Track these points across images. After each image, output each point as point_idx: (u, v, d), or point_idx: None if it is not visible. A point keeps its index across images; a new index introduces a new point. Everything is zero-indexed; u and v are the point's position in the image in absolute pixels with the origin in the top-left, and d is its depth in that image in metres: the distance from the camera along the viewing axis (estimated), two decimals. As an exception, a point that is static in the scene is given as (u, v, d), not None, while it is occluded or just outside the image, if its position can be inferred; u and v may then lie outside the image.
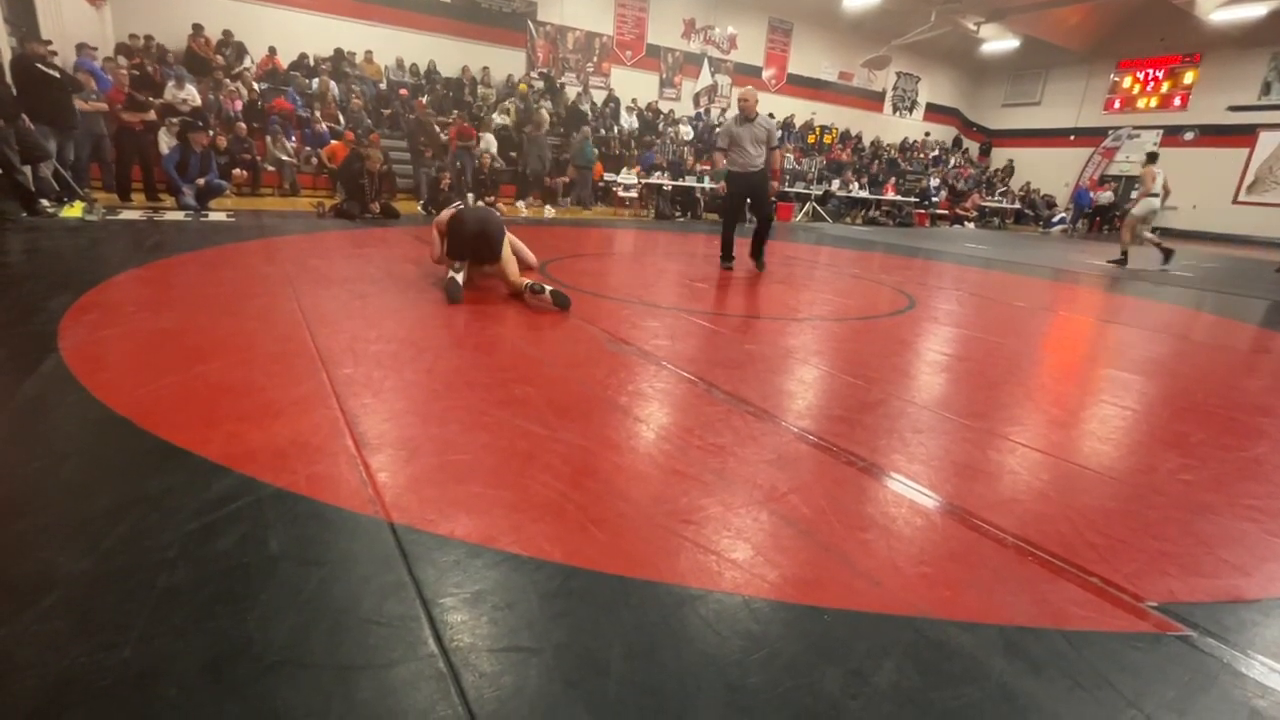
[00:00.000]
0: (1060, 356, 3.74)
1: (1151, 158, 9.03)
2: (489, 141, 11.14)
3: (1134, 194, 9.11)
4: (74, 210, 6.02)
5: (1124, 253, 8.74)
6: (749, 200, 5.71)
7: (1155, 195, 8.67)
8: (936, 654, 1.16)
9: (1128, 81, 19.01)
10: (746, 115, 5.36)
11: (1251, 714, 1.08)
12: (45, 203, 5.98)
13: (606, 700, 1.00)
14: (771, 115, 5.05)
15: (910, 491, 1.78)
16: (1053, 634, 1.23)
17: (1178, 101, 18.07)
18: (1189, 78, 17.79)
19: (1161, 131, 18.34)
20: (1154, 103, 18.54)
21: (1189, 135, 17.84)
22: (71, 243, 4.76)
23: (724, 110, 17.22)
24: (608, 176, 12.25)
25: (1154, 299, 6.06)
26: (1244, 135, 16.69)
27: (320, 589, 1.21)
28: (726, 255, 5.79)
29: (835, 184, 14.86)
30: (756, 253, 5.78)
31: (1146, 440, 2.37)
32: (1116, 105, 19.30)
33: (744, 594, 1.29)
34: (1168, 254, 8.67)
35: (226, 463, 1.65)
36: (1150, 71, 18.50)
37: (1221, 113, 17.08)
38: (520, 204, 11.21)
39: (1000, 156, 21.60)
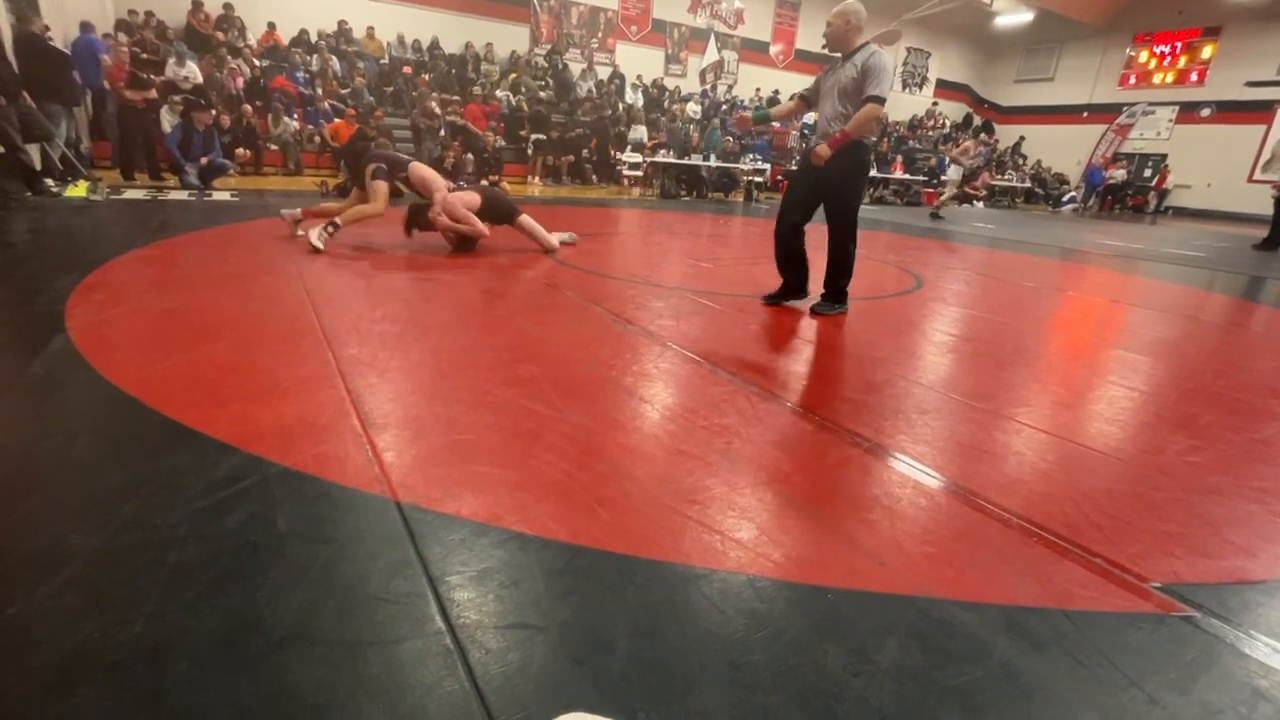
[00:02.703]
0: (1068, 337, 3.71)
1: (975, 131, 11.48)
2: (640, 131, 11.97)
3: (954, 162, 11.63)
4: (78, 190, 6.00)
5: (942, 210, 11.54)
6: (821, 196, 3.40)
7: (962, 164, 11.55)
8: (939, 633, 1.16)
9: (1144, 56, 18.60)
10: (840, 51, 3.27)
11: (1253, 694, 1.09)
12: (49, 182, 5.97)
13: (611, 677, 1.02)
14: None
15: (915, 472, 1.78)
16: (1056, 614, 1.24)
17: (1194, 77, 17.70)
18: (1207, 52, 17.40)
19: (1177, 108, 17.99)
20: (1170, 78, 18.17)
21: (1205, 112, 17.50)
22: (76, 222, 4.76)
23: (730, 87, 16.96)
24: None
25: (1164, 279, 5.99)
26: (1261, 112, 16.34)
27: (328, 566, 1.23)
28: (784, 286, 3.65)
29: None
30: (828, 286, 3.54)
31: (1154, 421, 2.35)
32: (1132, 81, 18.92)
33: (748, 573, 1.30)
34: (936, 215, 11.14)
35: (234, 442, 1.66)
36: (1167, 46, 18.08)
37: (1239, 88, 16.72)
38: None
39: (1009, 134, 21.22)
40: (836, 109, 3.26)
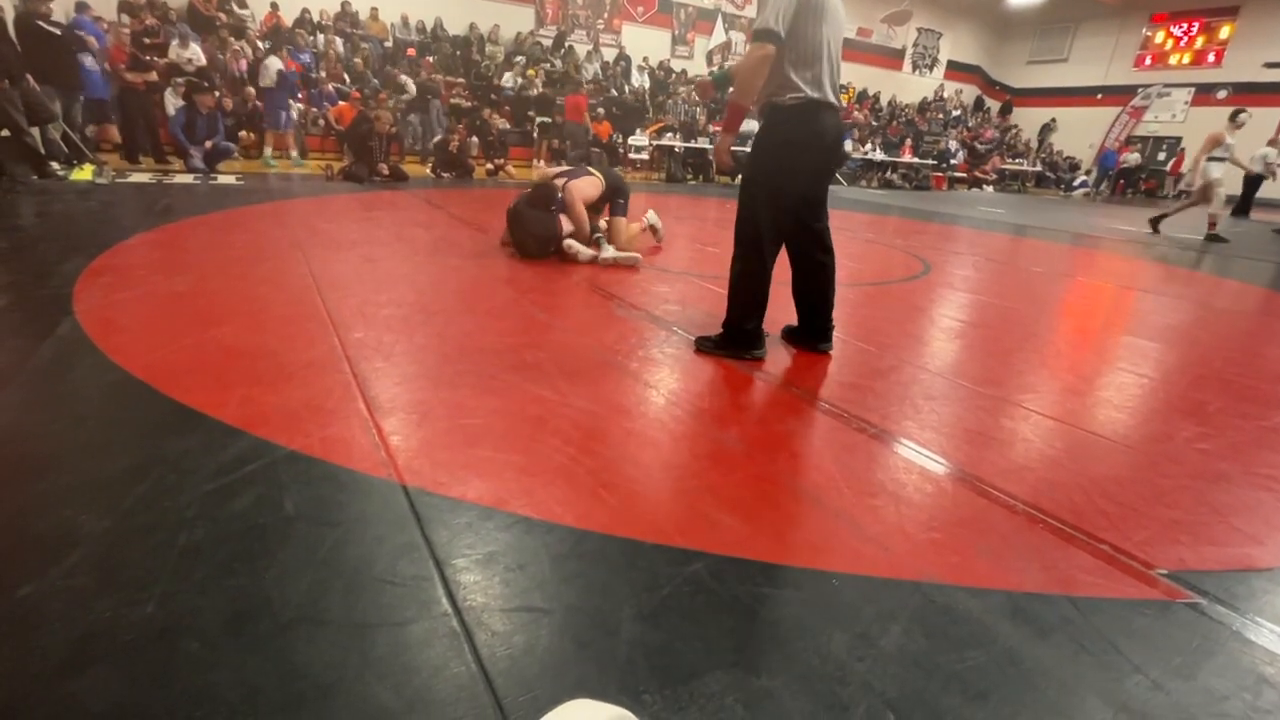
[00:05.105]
0: (1076, 323, 3.68)
1: (1232, 114, 8.37)
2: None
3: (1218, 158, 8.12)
4: (83, 173, 6.01)
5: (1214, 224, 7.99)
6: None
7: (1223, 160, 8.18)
8: (943, 618, 1.16)
9: (1160, 36, 18.23)
10: None
11: (1258, 680, 1.08)
12: (55, 165, 5.97)
13: (617, 660, 1.02)
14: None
15: (921, 458, 1.78)
16: (1061, 600, 1.24)
17: (1212, 58, 17.34)
18: (1225, 32, 17.03)
19: (1193, 90, 17.66)
20: (1187, 59, 17.81)
21: (1222, 94, 17.16)
22: (82, 206, 4.76)
23: (738, 68, 16.68)
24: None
25: (1175, 264, 5.92)
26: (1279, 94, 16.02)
27: (335, 549, 1.23)
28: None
29: (848, 144, 14.50)
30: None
31: (1163, 408, 2.34)
32: (1148, 62, 18.56)
33: (752, 557, 1.30)
34: (1216, 238, 7.93)
35: (241, 425, 1.67)
36: (1185, 25, 17.71)
37: (1257, 69, 16.37)
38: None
39: (1022, 117, 20.88)
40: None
